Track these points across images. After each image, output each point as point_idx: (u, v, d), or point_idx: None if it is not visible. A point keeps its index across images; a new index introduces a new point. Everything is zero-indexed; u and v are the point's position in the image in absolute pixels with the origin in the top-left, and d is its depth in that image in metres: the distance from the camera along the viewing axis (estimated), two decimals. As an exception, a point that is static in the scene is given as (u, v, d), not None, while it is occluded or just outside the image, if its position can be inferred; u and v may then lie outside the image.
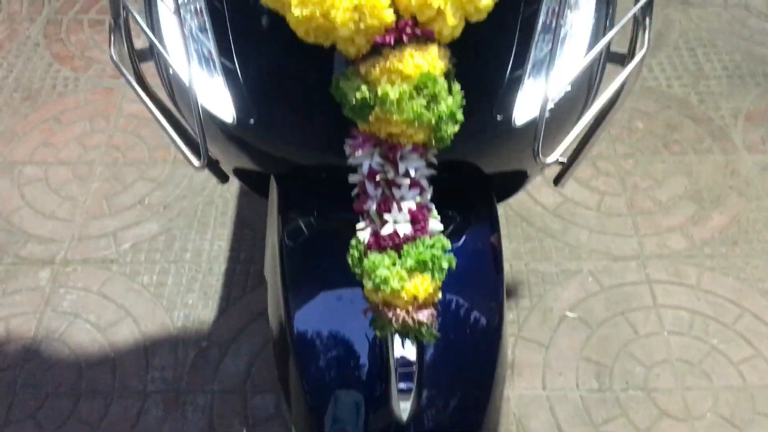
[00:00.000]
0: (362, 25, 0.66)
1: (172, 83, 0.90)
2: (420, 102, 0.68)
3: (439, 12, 0.66)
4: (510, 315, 1.59)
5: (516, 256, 1.71)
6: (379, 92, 0.68)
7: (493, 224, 0.95)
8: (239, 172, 1.00)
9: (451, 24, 0.67)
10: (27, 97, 2.10)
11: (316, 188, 0.94)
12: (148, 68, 0.95)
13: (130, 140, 1.98)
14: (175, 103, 0.93)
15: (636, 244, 1.72)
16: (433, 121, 0.69)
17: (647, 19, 0.82)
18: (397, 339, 0.78)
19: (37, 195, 1.85)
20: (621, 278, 1.65)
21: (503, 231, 1.76)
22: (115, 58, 0.85)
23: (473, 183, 0.95)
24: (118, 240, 1.75)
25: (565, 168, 0.97)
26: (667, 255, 1.70)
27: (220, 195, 1.84)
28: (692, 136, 1.95)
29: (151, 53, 0.92)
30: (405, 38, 0.67)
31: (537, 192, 1.83)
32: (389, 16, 0.67)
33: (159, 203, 1.83)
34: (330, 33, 0.68)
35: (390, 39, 0.67)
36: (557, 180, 1.02)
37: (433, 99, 0.68)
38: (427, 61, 0.68)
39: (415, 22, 0.67)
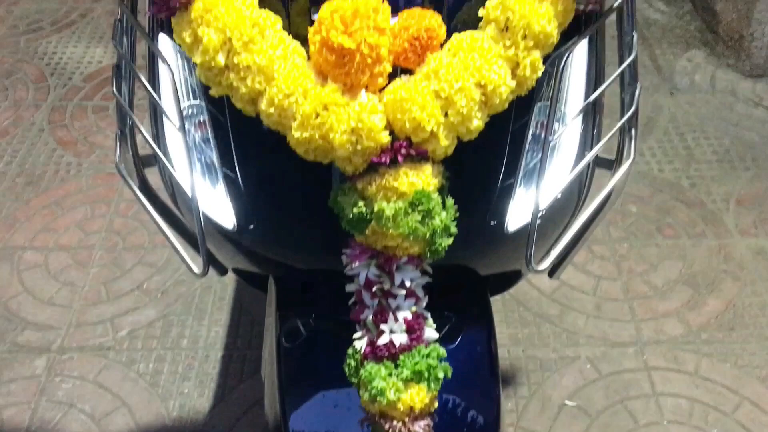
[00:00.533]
0: (359, 147, 0.68)
1: (174, 189, 0.92)
2: (415, 217, 0.70)
3: (433, 134, 0.69)
4: (508, 404, 1.58)
5: (513, 342, 1.71)
6: (376, 208, 0.70)
7: (487, 321, 0.96)
8: (238, 270, 1.02)
9: (444, 145, 0.70)
10: (30, 182, 2.14)
11: (315, 288, 0.95)
12: (153, 170, 0.98)
13: (131, 225, 2.00)
14: (177, 207, 0.96)
15: (633, 330, 1.72)
16: (428, 235, 0.71)
17: (633, 130, 0.85)
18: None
19: (36, 281, 1.86)
20: (619, 365, 1.65)
21: (500, 316, 1.76)
22: (120, 166, 0.88)
23: (467, 281, 0.96)
24: (116, 327, 1.75)
25: (559, 261, 0.99)
26: (664, 341, 1.70)
27: (218, 280, 1.85)
28: (685, 220, 1.98)
29: (156, 161, 0.95)
30: (400, 158, 0.70)
31: (533, 276, 1.84)
32: (385, 138, 0.70)
33: (157, 289, 1.84)
34: (329, 153, 0.70)
35: (386, 159, 0.70)
36: (552, 272, 1.04)
37: (428, 214, 0.71)
38: (421, 179, 0.70)
39: (410, 143, 0.70)
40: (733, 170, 2.12)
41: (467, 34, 0.72)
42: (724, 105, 2.35)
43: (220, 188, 0.85)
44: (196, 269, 0.83)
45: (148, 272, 1.88)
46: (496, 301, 1.80)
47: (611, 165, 0.92)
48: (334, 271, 0.82)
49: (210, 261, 0.93)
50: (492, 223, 0.84)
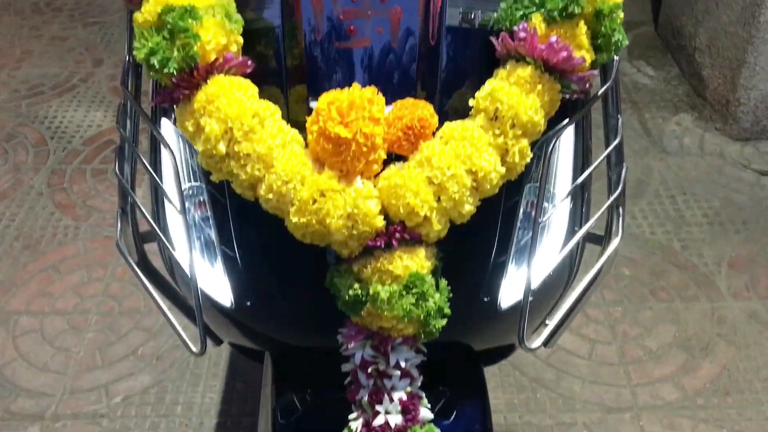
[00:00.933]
0: (355, 231, 0.71)
1: (173, 266, 0.94)
2: (409, 300, 0.72)
3: (426, 218, 0.72)
4: (505, 473, 1.57)
5: (510, 408, 1.70)
6: (371, 291, 0.72)
7: (481, 394, 0.97)
8: (234, 344, 1.03)
9: (437, 229, 0.73)
10: (27, 246, 2.15)
11: (311, 363, 0.96)
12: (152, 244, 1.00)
13: (127, 289, 2.01)
14: (176, 282, 0.97)
15: (629, 395, 1.72)
16: (422, 317, 0.73)
17: (620, 208, 0.88)
18: None
19: (31, 346, 1.85)
20: (616, 431, 1.64)
21: (495, 381, 1.76)
22: (121, 244, 0.90)
23: (461, 354, 0.98)
24: (110, 393, 1.74)
25: (552, 332, 1.00)
26: (660, 406, 1.69)
27: (213, 346, 1.85)
28: (678, 283, 2.00)
29: (155, 239, 0.96)
30: (395, 242, 0.72)
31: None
32: (380, 222, 0.72)
33: (152, 354, 1.83)
34: (325, 237, 0.73)
35: (381, 243, 0.72)
36: (546, 342, 1.05)
37: (422, 297, 0.72)
38: (415, 263, 0.72)
39: (404, 227, 0.73)
40: (724, 233, 2.14)
41: (458, 123, 0.75)
42: (713, 168, 2.39)
43: (218, 266, 0.87)
44: (193, 348, 0.84)
45: (143, 337, 1.88)
46: (491, 366, 1.80)
47: (600, 240, 0.94)
48: (331, 349, 0.83)
49: (207, 333, 0.94)
50: (485, 300, 0.86)
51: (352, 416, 0.77)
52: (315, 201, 0.71)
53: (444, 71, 0.79)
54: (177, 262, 0.90)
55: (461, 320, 0.84)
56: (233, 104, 0.72)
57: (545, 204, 0.86)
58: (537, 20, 0.74)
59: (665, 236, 2.14)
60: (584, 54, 0.74)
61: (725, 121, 2.49)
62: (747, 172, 2.37)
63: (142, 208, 0.87)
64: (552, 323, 0.85)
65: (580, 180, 0.83)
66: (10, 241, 2.16)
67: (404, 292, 0.72)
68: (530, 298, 0.81)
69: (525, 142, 0.74)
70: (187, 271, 0.81)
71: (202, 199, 0.88)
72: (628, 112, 2.64)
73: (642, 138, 2.53)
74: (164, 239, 0.85)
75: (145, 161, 0.86)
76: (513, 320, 0.85)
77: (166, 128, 0.89)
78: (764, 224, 2.17)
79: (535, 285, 0.82)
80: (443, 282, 0.76)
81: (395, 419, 0.74)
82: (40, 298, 1.99)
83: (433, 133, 0.75)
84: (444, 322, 0.75)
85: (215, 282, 0.88)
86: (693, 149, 2.48)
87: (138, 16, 0.75)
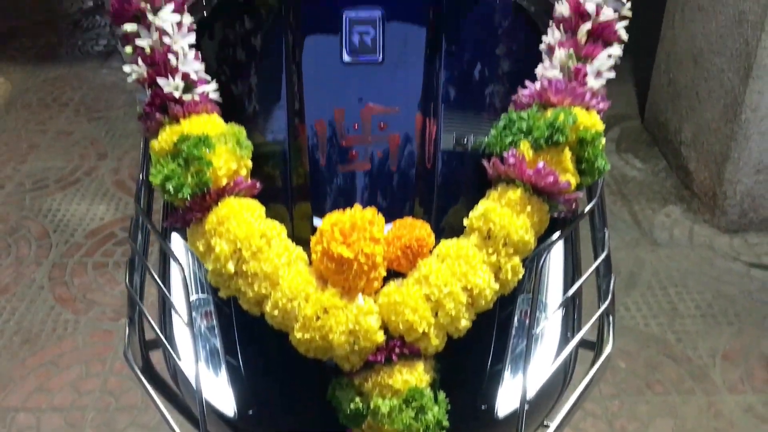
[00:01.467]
0: (356, 347, 0.74)
1: (178, 375, 0.96)
2: (409, 414, 0.75)
3: (424, 334, 0.75)
4: None
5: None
6: (372, 405, 0.75)
7: None
8: None
9: (435, 344, 0.76)
10: (26, 341, 2.16)
11: None
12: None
13: (125, 384, 2.01)
14: (179, 389, 1.00)
15: (628, 493, 1.71)
16: (422, 431, 0.75)
17: (610, 316, 0.92)
18: None
19: (27, 445, 1.84)
20: None
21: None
22: (128, 354, 0.92)
23: None
24: (105, 493, 1.73)
25: None
26: (660, 504, 1.68)
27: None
28: (673, 377, 2.01)
29: (161, 348, 1.00)
30: (394, 357, 0.75)
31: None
32: (380, 338, 0.75)
33: (149, 452, 1.83)
34: (328, 351, 0.76)
35: (381, 357, 0.75)
36: None
37: (421, 410, 0.75)
38: (414, 377, 0.76)
39: (403, 342, 0.76)
40: (717, 325, 2.17)
41: (454, 242, 0.79)
42: (703, 259, 2.44)
43: (223, 375, 0.90)
44: None
45: (140, 434, 1.87)
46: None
47: (593, 345, 0.98)
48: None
49: None
50: (482, 408, 0.88)
51: None
52: (318, 317, 0.75)
53: (440, 192, 0.85)
54: (182, 373, 0.92)
55: (459, 429, 0.87)
56: (242, 226, 0.77)
57: (538, 314, 0.90)
58: (525, 147, 0.80)
59: (659, 328, 2.17)
60: (570, 178, 0.80)
61: (713, 214, 2.56)
62: (737, 264, 2.42)
63: (150, 319, 0.90)
64: (553, 426, 0.87)
65: (571, 292, 0.87)
66: (10, 336, 2.18)
67: (404, 406, 0.75)
68: (526, 406, 0.83)
69: (517, 260, 0.79)
70: (192, 382, 0.84)
71: (208, 310, 0.91)
72: (618, 204, 2.71)
73: (633, 229, 2.59)
74: (170, 350, 0.88)
75: (154, 274, 0.90)
76: (511, 427, 0.87)
77: (176, 242, 0.94)
78: (756, 317, 2.20)
79: (531, 393, 0.85)
80: (441, 394, 0.79)
81: None
82: (37, 394, 1.99)
83: (430, 251, 0.80)
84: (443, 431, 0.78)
85: (219, 391, 0.90)
86: (683, 241, 2.53)
87: (155, 144, 0.80)
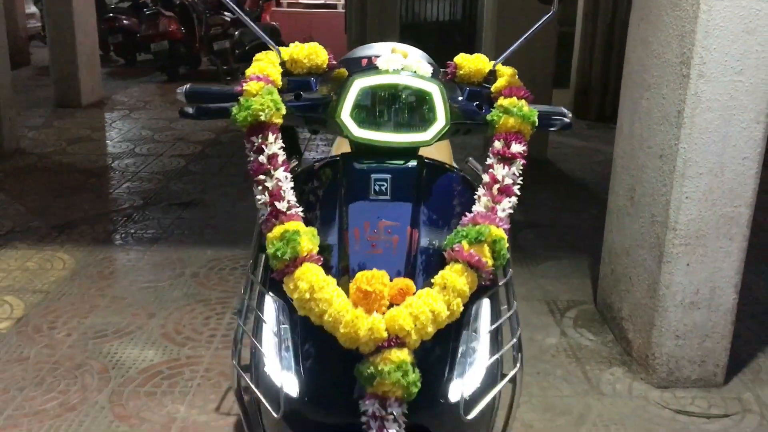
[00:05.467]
0: (372, 340, 1.40)
1: (260, 379, 1.58)
2: (398, 374, 1.39)
3: (409, 334, 1.42)
4: None
5: None
6: (379, 368, 1.39)
7: None
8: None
9: (415, 339, 1.42)
10: (92, 443, 2.69)
11: None
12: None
13: (171, 477, 2.52)
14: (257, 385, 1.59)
15: None
16: (405, 384, 1.39)
17: (521, 348, 1.57)
18: None
19: None
20: None
21: None
22: (235, 363, 1.57)
23: None
24: None
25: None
26: None
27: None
28: (609, 486, 2.52)
29: (251, 360, 1.63)
30: (392, 344, 1.41)
31: None
32: (385, 335, 1.42)
33: None
34: (356, 342, 1.42)
35: (385, 344, 1.41)
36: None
37: (405, 373, 1.39)
38: (402, 356, 1.41)
39: (397, 338, 1.42)
40: (646, 452, 2.72)
41: (426, 290, 1.48)
42: (639, 407, 3.03)
43: (292, 374, 1.53)
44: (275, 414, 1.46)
45: None
46: None
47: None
48: (353, 424, 1.45)
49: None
50: (441, 398, 1.50)
51: (367, 447, 1.38)
52: (352, 323, 1.42)
53: (419, 266, 1.55)
54: (263, 380, 1.55)
55: (427, 408, 1.49)
56: (314, 276, 1.46)
57: (474, 338, 1.56)
58: (465, 243, 1.52)
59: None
60: (488, 260, 1.51)
61: (647, 372, 3.19)
62: (665, 411, 3.00)
63: (247, 378, 1.56)
64: (484, 401, 1.49)
65: (494, 327, 1.55)
66: (79, 440, 2.71)
67: (396, 370, 1.39)
68: (467, 397, 1.47)
69: (459, 301, 1.47)
70: (275, 379, 1.48)
71: (287, 337, 1.56)
72: (573, 365, 3.34)
73: (583, 383, 3.20)
74: (259, 346, 1.52)
75: (253, 339, 1.57)
76: (457, 409, 1.48)
77: (268, 302, 1.61)
78: (677, 446, 2.76)
79: (471, 387, 1.49)
80: (417, 370, 1.43)
81: (390, 440, 1.36)
82: (102, 480, 2.49)
83: (414, 293, 1.48)
84: (417, 389, 1.41)
85: (291, 384, 1.51)
86: (624, 394, 3.13)
87: (270, 235, 1.52)
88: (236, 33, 7.84)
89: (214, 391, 3.09)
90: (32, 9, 14.43)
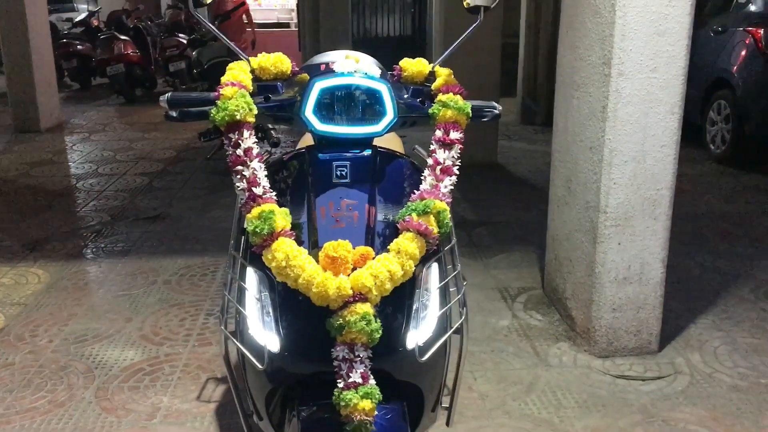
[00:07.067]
0: (339, 296, 1.68)
1: (245, 337, 1.84)
2: (363, 323, 1.67)
3: (370, 290, 1.70)
4: None
5: None
6: (346, 319, 1.67)
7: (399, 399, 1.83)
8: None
9: (375, 294, 1.70)
10: (83, 433, 2.90)
11: None
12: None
13: (160, 457, 2.75)
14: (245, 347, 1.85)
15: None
16: (369, 331, 1.67)
17: (466, 305, 1.86)
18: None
19: (92, 490, 2.54)
20: None
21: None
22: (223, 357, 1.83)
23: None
24: None
25: (450, 408, 1.90)
26: None
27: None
28: (556, 441, 2.83)
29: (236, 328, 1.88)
30: (357, 300, 1.69)
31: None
32: (350, 292, 1.69)
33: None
34: (326, 299, 1.69)
35: (351, 300, 1.69)
36: (447, 420, 1.94)
37: (369, 323, 1.67)
38: (365, 309, 1.68)
39: (361, 294, 1.70)
40: (589, 412, 3.03)
41: (384, 255, 1.76)
42: (583, 374, 3.35)
43: (273, 333, 1.79)
44: (259, 366, 1.73)
45: (174, 483, 2.59)
46: None
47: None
48: (326, 372, 1.72)
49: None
50: (400, 346, 1.78)
51: (339, 383, 1.66)
52: (323, 284, 1.69)
53: (376, 237, 1.84)
54: (249, 334, 1.81)
55: (388, 352, 1.77)
56: (288, 247, 1.74)
57: (425, 296, 1.85)
58: (414, 215, 1.81)
59: (549, 415, 3.02)
60: (434, 228, 1.81)
61: (589, 344, 3.52)
62: (606, 377, 3.33)
63: (233, 339, 1.82)
64: (435, 346, 1.78)
65: (441, 284, 1.84)
66: None
67: (360, 320, 1.67)
68: (421, 344, 1.75)
69: (411, 263, 1.76)
70: (258, 338, 1.74)
71: (266, 303, 1.82)
72: (524, 342, 3.65)
73: (533, 357, 3.51)
74: (243, 312, 1.79)
75: (237, 305, 1.84)
76: (413, 355, 1.76)
77: (250, 272, 1.88)
78: (617, 405, 3.08)
79: (424, 336, 1.77)
80: (378, 321, 1.71)
81: (357, 378, 1.63)
82: (96, 463, 2.70)
83: (373, 258, 1.76)
84: (379, 335, 1.69)
85: (272, 341, 1.78)
86: (569, 364, 3.45)
87: (249, 216, 1.79)
88: (194, 53, 8.05)
89: (194, 382, 3.32)
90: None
